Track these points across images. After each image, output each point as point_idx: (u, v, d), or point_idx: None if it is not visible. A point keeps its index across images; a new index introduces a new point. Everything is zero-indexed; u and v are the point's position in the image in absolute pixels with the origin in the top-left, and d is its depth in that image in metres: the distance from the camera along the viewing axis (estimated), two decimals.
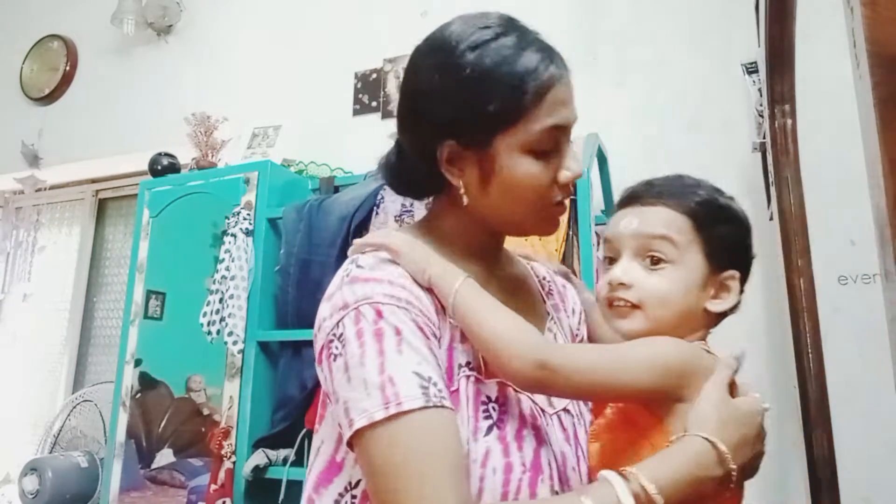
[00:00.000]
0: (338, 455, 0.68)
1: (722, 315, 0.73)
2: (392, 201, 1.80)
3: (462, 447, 0.60)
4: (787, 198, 1.17)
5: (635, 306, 0.67)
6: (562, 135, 0.70)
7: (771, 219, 1.40)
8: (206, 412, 2.06)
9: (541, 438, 0.67)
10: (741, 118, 1.79)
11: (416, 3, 2.49)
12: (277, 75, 2.67)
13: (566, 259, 1.58)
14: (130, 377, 2.20)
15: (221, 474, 1.87)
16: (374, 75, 2.53)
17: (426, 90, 0.73)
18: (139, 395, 2.19)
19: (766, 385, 1.79)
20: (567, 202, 0.74)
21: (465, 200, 0.72)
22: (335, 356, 0.61)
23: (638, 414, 0.65)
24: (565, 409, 0.73)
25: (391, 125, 2.59)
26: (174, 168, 2.37)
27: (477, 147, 0.70)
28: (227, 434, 1.91)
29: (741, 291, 0.72)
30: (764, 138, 1.31)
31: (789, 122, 1.18)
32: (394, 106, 2.47)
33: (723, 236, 0.70)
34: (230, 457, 1.88)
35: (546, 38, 0.74)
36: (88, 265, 3.24)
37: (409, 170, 0.77)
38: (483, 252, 0.77)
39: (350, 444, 0.60)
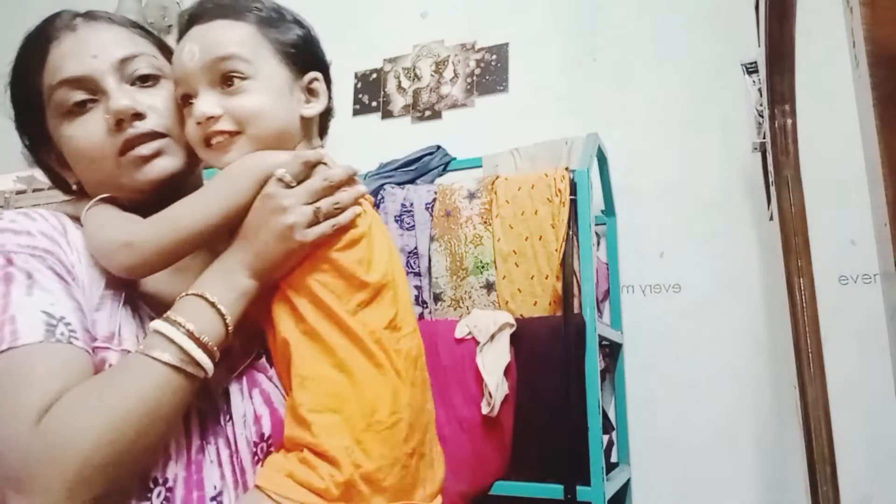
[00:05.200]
0: None
1: (324, 122, 0.74)
2: (392, 201, 1.80)
3: (82, 378, 0.56)
4: (787, 198, 1.17)
5: (235, 133, 0.65)
6: (86, 84, 0.66)
7: (771, 219, 1.40)
8: None
9: None
10: (741, 118, 1.79)
11: (416, 3, 2.49)
12: None
13: (566, 259, 1.58)
14: None
15: None
16: (374, 75, 2.53)
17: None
18: None
19: (766, 385, 1.79)
20: (162, 144, 0.67)
21: (78, 192, 0.71)
22: None
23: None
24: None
25: (391, 125, 2.61)
26: None
27: (49, 143, 0.70)
28: None
29: (329, 95, 0.73)
30: (764, 138, 1.31)
31: (789, 122, 1.18)
32: (394, 106, 2.47)
33: (293, 38, 0.69)
34: None
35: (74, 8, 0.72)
36: None
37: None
38: None
39: None
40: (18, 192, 3.36)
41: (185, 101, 0.68)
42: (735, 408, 1.81)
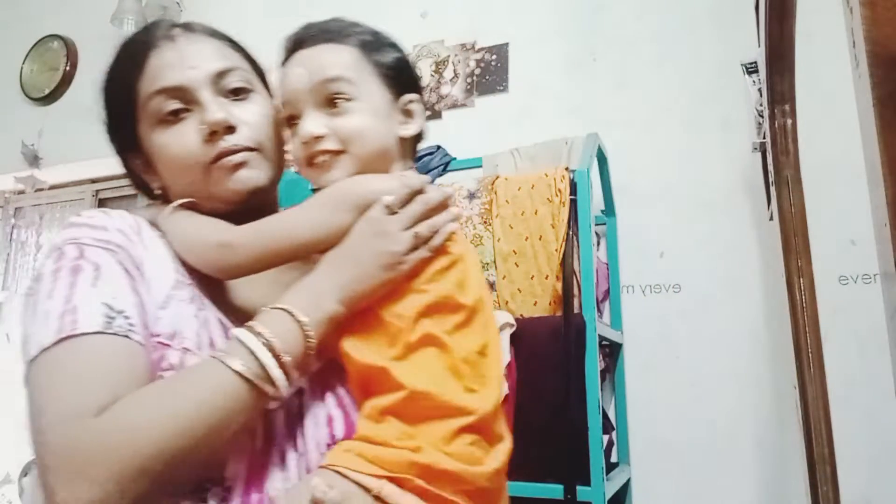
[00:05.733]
0: None
1: (415, 142, 0.74)
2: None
3: (136, 372, 0.56)
4: (787, 198, 1.17)
5: (338, 152, 0.66)
6: (182, 94, 0.68)
7: (771, 219, 1.40)
8: None
9: None
10: (741, 118, 1.79)
11: (416, 3, 2.49)
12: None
13: (566, 259, 1.58)
14: None
15: None
16: None
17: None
18: None
19: (766, 385, 1.79)
20: (250, 156, 0.68)
21: (160, 197, 0.72)
22: (29, 296, 0.60)
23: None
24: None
25: None
26: None
27: (139, 149, 0.72)
28: None
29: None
30: (764, 138, 1.31)
31: (789, 122, 1.18)
32: None
33: (391, 61, 0.71)
34: None
35: (170, 19, 0.74)
36: None
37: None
38: None
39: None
40: (18, 193, 3.36)
41: (290, 121, 0.69)
42: (735, 408, 1.81)
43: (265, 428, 0.61)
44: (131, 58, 0.70)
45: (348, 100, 0.66)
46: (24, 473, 2.34)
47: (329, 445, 0.62)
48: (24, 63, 3.37)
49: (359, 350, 0.61)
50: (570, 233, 1.59)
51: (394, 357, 0.60)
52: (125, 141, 0.73)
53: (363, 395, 0.62)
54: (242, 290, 0.70)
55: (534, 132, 1.99)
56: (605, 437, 1.70)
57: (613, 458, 1.88)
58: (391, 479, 0.54)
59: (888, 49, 0.41)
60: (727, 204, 1.92)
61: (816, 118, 1.47)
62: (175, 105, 0.68)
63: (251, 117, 0.70)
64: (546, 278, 1.61)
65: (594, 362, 1.49)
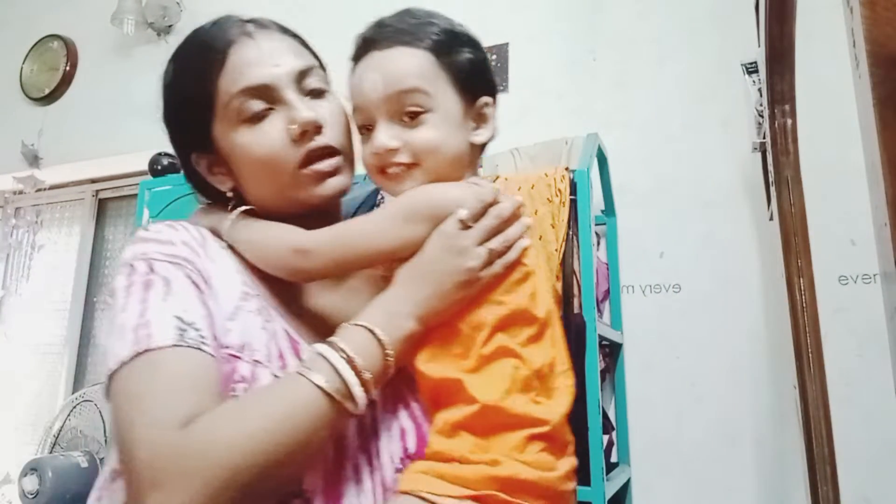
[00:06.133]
0: None
1: (484, 145, 0.72)
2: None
3: (211, 384, 0.56)
4: (787, 198, 1.17)
5: (412, 165, 0.65)
6: (267, 93, 0.66)
7: (771, 219, 1.40)
8: None
9: None
10: (741, 118, 1.79)
11: (416, 3, 2.49)
12: None
13: (566, 259, 1.58)
14: None
15: None
16: None
17: (163, 111, 0.74)
18: None
19: (766, 385, 1.79)
20: (339, 162, 0.68)
21: (231, 201, 0.71)
22: (106, 311, 0.61)
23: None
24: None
25: None
26: (174, 168, 2.37)
27: (210, 148, 0.70)
28: None
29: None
30: (764, 138, 1.31)
31: (789, 122, 1.18)
32: None
33: (466, 64, 0.68)
34: None
35: (246, 14, 0.72)
36: (88, 265, 3.24)
37: (198, 185, 0.77)
38: None
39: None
40: (18, 192, 3.36)
41: (362, 127, 0.68)
42: (735, 408, 1.81)
43: (336, 438, 0.60)
44: (209, 54, 0.68)
45: (423, 112, 0.65)
46: (24, 473, 2.33)
47: (402, 459, 0.62)
48: (24, 63, 3.37)
49: (432, 362, 0.61)
50: (570, 233, 1.59)
51: (467, 369, 0.60)
52: (194, 140, 0.71)
53: (434, 406, 0.62)
54: (310, 299, 0.70)
55: (534, 132, 1.99)
56: (605, 437, 1.70)
57: (613, 458, 1.88)
58: (473, 498, 0.54)
59: (888, 49, 0.41)
60: (727, 204, 1.92)
61: (816, 118, 1.47)
62: (261, 105, 0.66)
63: (332, 117, 0.69)
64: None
65: (594, 362, 1.49)
